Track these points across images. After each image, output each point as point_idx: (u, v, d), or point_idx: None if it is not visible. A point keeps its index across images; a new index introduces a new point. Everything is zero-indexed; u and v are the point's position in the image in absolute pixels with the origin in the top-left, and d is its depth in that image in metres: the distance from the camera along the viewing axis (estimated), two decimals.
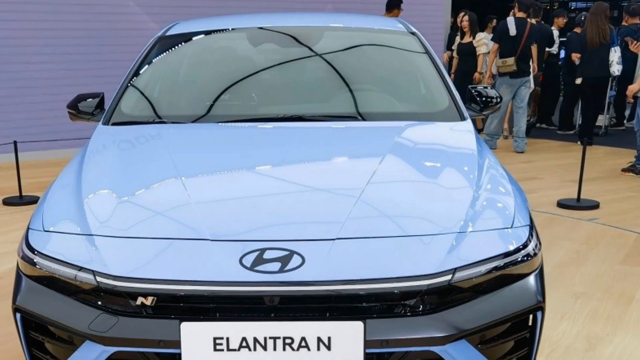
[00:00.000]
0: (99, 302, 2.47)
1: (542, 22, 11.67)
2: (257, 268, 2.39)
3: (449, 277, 2.44)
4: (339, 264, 2.42)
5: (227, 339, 2.35)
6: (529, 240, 2.69)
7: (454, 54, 11.85)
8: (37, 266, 2.61)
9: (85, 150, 3.42)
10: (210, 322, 2.36)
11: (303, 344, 2.36)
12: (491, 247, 2.58)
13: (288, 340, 2.35)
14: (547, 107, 12.84)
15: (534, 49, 10.50)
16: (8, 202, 7.13)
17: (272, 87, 4.22)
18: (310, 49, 4.31)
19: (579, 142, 10.33)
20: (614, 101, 12.17)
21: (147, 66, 4.25)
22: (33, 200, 6.94)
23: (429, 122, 3.75)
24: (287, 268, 2.39)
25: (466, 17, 11.32)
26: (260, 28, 4.58)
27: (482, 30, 11.84)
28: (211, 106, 3.97)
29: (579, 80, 10.58)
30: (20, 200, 7.14)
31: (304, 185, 3.02)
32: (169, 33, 4.50)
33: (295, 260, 2.42)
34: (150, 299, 2.41)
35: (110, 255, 2.50)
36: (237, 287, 2.38)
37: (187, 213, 2.69)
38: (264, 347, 2.36)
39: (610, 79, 10.74)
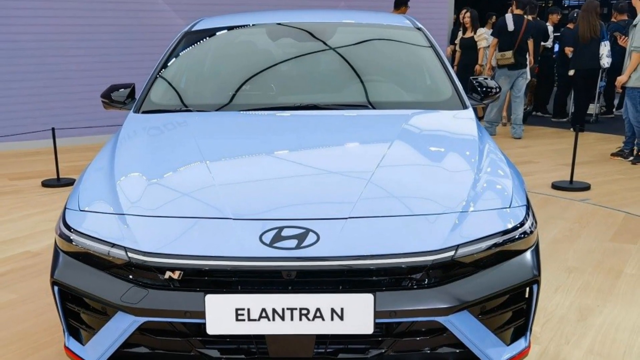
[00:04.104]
0: (130, 276, 2.47)
1: (538, 18, 11.56)
2: (276, 245, 2.39)
3: (452, 253, 2.43)
4: (351, 241, 2.41)
5: (248, 310, 2.35)
6: (525, 219, 2.67)
7: (457, 48, 11.84)
8: (73, 243, 2.61)
9: (118, 136, 3.41)
10: (233, 295, 2.35)
11: (318, 314, 2.35)
12: (491, 226, 2.56)
13: (304, 311, 2.35)
14: (543, 96, 12.80)
15: (530, 43, 10.44)
16: (47, 184, 7.14)
17: (290, 78, 4.20)
18: (324, 43, 4.28)
19: (571, 129, 10.28)
20: (604, 91, 12.09)
21: (174, 59, 4.23)
22: (70, 182, 6.97)
23: (433, 111, 3.73)
24: (303, 245, 2.39)
25: (468, 14, 11.32)
26: (279, 24, 4.55)
27: (483, 26, 11.80)
28: (233, 96, 3.95)
29: (571, 72, 10.53)
30: (58, 182, 7.15)
31: (319, 169, 3.00)
32: (194, 28, 4.48)
33: (310, 238, 2.41)
34: (177, 273, 2.40)
35: (140, 233, 2.50)
36: (257, 262, 2.37)
37: (211, 194, 2.68)
38: (282, 318, 2.35)
39: (600, 70, 10.67)
